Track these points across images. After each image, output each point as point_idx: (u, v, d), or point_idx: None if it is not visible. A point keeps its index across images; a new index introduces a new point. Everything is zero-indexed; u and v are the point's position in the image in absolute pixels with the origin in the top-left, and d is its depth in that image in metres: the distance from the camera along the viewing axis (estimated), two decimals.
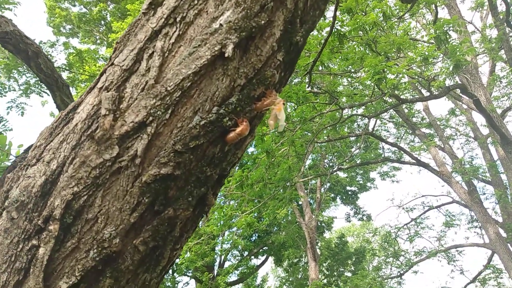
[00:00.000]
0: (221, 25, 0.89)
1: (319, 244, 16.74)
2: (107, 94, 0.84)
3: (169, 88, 0.85)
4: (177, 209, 0.86)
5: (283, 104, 0.96)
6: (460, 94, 12.58)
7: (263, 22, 0.92)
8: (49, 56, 8.07)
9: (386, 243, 16.27)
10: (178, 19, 0.89)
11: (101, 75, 0.92)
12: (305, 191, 14.03)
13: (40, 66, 1.93)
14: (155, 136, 0.84)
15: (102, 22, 15.23)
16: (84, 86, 11.06)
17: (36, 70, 1.94)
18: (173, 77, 0.86)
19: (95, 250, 0.79)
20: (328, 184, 16.17)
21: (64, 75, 9.95)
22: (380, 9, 8.57)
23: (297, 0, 0.98)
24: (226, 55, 0.87)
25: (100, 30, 15.35)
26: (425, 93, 12.00)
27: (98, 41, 15.54)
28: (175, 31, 0.89)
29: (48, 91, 2.94)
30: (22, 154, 1.65)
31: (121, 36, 0.96)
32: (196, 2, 0.90)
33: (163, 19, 0.89)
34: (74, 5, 16.09)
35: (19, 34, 1.81)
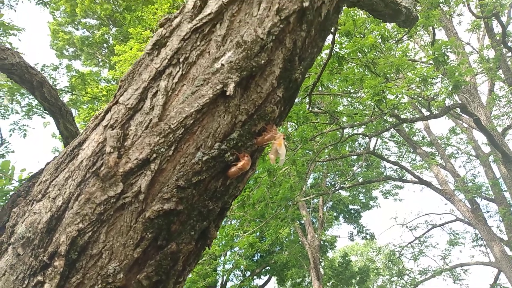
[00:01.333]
0: (222, 65, 0.92)
1: (322, 263, 16.54)
2: (112, 132, 0.87)
3: (172, 126, 0.88)
4: (180, 243, 0.88)
5: (283, 138, 0.98)
6: (460, 113, 12.66)
7: (263, 61, 0.95)
8: (52, 79, 8.20)
9: (390, 262, 16.08)
10: (181, 60, 0.93)
11: (106, 112, 0.95)
12: (307, 210, 13.94)
13: (45, 95, 1.98)
14: (158, 172, 0.87)
15: (105, 45, 15.49)
16: (86, 107, 11.16)
17: (40, 99, 1.99)
18: (176, 115, 0.89)
19: (99, 286, 0.81)
20: (331, 203, 16.09)
21: (67, 97, 10.07)
22: (378, 32, 8.73)
23: (295, 40, 1.03)
24: (227, 93, 0.91)
25: (103, 53, 15.59)
26: (425, 112, 12.08)
27: (101, 63, 15.77)
28: (178, 71, 0.92)
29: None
30: (25, 182, 1.67)
31: (125, 75, 1.00)
32: (198, 43, 0.94)
33: (166, 60, 0.93)
34: (77, 29, 16.40)
35: (24, 65, 1.87)
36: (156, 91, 0.91)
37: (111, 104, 0.96)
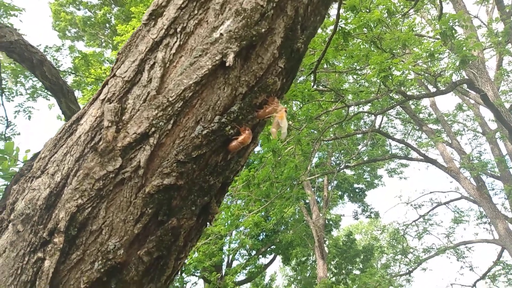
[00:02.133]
0: (221, 34, 0.89)
1: (327, 242, 16.71)
2: (110, 106, 0.85)
3: (170, 99, 0.85)
4: (181, 218, 0.87)
5: (285, 111, 0.95)
6: (467, 89, 12.47)
7: (263, 30, 0.92)
8: (55, 60, 8.14)
9: (394, 241, 16.18)
10: (178, 30, 0.89)
11: (103, 86, 0.92)
12: (312, 189, 13.99)
13: (45, 74, 1.95)
14: (157, 146, 0.84)
15: (107, 25, 15.31)
16: (91, 89, 11.13)
17: (41, 78, 1.96)
18: (174, 87, 0.86)
19: (99, 262, 0.80)
20: (335, 182, 16.11)
21: (70, 78, 10.03)
22: (384, 6, 8.52)
23: (297, 7, 0.98)
24: (227, 64, 0.87)
25: (105, 33, 15.43)
26: (432, 88, 11.91)
27: (103, 44, 15.63)
28: (175, 42, 0.89)
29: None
30: (28, 161, 1.67)
31: (122, 47, 0.96)
32: (196, 12, 0.91)
33: (163, 30, 0.89)
34: (79, 9, 16.20)
35: (23, 43, 1.83)
36: (154, 63, 0.88)
37: (108, 78, 0.94)
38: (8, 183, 2.90)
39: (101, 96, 0.89)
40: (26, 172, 1.65)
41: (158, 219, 0.85)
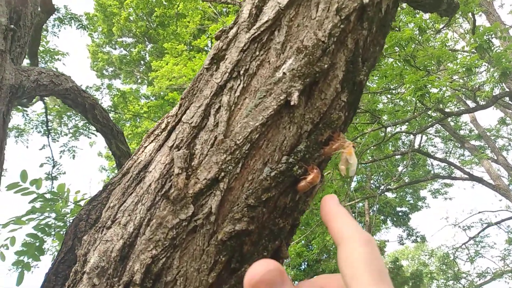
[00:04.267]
0: (284, 73, 0.88)
1: None
2: (179, 153, 0.84)
3: (238, 142, 0.84)
4: None
5: (353, 147, 0.92)
6: (509, 102, 11.95)
7: (326, 66, 0.90)
8: (96, 98, 8.54)
9: (444, 265, 15.32)
10: (241, 72, 0.89)
11: (170, 132, 0.93)
12: (353, 214, 13.61)
13: (97, 117, 2.03)
14: (227, 191, 0.83)
15: (142, 62, 16.01)
16: (129, 125, 11.53)
17: (93, 121, 2.04)
18: (241, 130, 0.85)
19: None
20: (377, 206, 15.62)
21: (110, 115, 10.45)
22: (415, 24, 8.42)
23: (357, 39, 0.96)
24: (292, 103, 0.86)
25: (140, 70, 16.12)
26: (471, 104, 11.49)
27: (139, 80, 16.31)
28: (239, 84, 0.89)
29: (100, 136, 3.07)
30: (85, 206, 1.70)
31: (185, 92, 0.97)
32: (257, 53, 0.90)
33: (227, 74, 0.89)
34: (115, 48, 17.08)
35: (77, 89, 1.92)
36: (219, 107, 0.88)
37: (173, 123, 0.94)
38: (63, 225, 2.96)
39: (169, 143, 0.90)
40: (85, 216, 1.68)
41: (231, 267, 0.83)
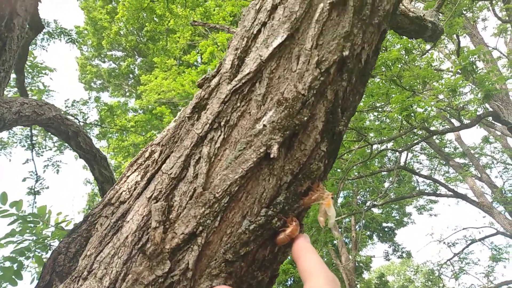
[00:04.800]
0: (264, 125, 0.89)
1: (358, 286, 16.00)
2: (157, 205, 0.84)
3: (217, 195, 0.84)
4: None
5: (332, 198, 0.93)
6: (493, 121, 12.21)
7: (305, 118, 0.91)
8: (82, 113, 8.47)
9: (429, 282, 15.37)
10: (222, 123, 0.90)
11: (149, 181, 0.93)
12: (339, 230, 13.62)
13: (80, 144, 2.01)
14: (205, 246, 0.83)
15: (130, 76, 15.97)
16: (115, 138, 11.43)
17: (75, 148, 2.02)
18: (220, 183, 0.85)
19: None
20: (363, 222, 15.67)
21: (96, 130, 10.36)
22: (401, 45, 8.60)
23: (337, 90, 0.98)
24: (271, 155, 0.87)
25: (129, 83, 16.06)
26: (456, 122, 11.71)
27: (127, 94, 16.23)
28: (220, 135, 0.89)
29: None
30: (64, 239, 1.67)
31: (165, 139, 0.98)
32: (238, 104, 0.91)
33: (208, 125, 0.90)
34: (104, 61, 17.02)
35: (60, 117, 1.91)
36: (199, 158, 0.88)
37: (153, 171, 0.94)
38: (42, 249, 2.89)
39: (147, 193, 0.89)
40: (64, 250, 1.65)
41: None
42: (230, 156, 0.88)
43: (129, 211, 0.92)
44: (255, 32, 1.01)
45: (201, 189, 0.85)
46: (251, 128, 0.89)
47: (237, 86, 0.92)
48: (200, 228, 0.82)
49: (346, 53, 0.98)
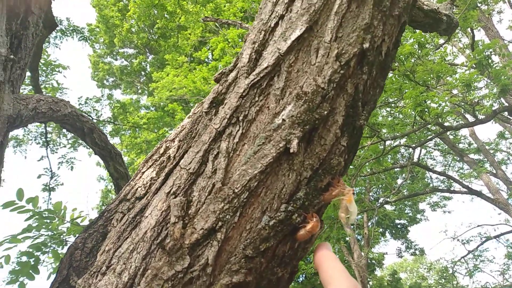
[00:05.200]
0: (283, 120, 0.87)
1: (370, 283, 15.92)
2: (175, 200, 0.83)
3: (236, 190, 0.83)
4: None
5: (353, 193, 0.91)
6: (508, 116, 11.98)
7: (325, 112, 0.89)
8: (95, 111, 8.55)
9: (443, 279, 15.20)
10: (240, 118, 0.89)
11: (167, 176, 0.92)
12: (351, 227, 13.53)
13: (95, 140, 2.02)
14: (225, 241, 0.82)
15: (142, 73, 16.06)
16: (128, 135, 11.52)
17: (91, 144, 2.03)
18: (239, 178, 0.84)
19: None
20: (376, 219, 15.57)
21: (110, 127, 10.46)
22: (414, 39, 8.48)
23: (357, 84, 0.96)
24: (291, 150, 0.85)
25: (141, 80, 16.16)
26: (470, 118, 11.52)
27: (139, 91, 16.34)
28: (238, 130, 0.88)
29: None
30: (81, 234, 1.68)
31: (183, 134, 0.97)
32: (257, 98, 0.90)
33: (226, 120, 0.89)
34: (116, 59, 17.14)
35: (75, 114, 1.92)
36: (218, 153, 0.87)
37: (171, 167, 0.93)
38: (62, 245, 2.92)
39: (166, 188, 0.89)
40: (81, 245, 1.66)
41: None
42: (249, 151, 0.86)
43: (148, 206, 0.92)
44: (272, 25, 0.99)
45: (220, 184, 0.84)
46: (270, 122, 0.88)
47: (255, 80, 0.91)
48: (220, 223, 0.81)
49: (366, 45, 0.96)
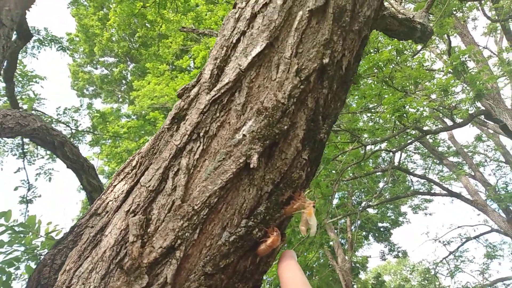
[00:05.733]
0: (244, 135, 0.88)
1: (355, 286, 16.01)
2: (134, 219, 0.83)
3: (196, 207, 0.83)
4: None
5: (313, 206, 0.92)
6: (485, 120, 12.29)
7: (285, 127, 0.90)
8: (74, 121, 8.41)
9: (426, 280, 15.40)
10: (201, 134, 0.89)
11: (128, 194, 0.91)
12: (335, 231, 13.61)
13: (67, 154, 1.99)
14: (184, 259, 0.81)
15: (123, 81, 15.90)
16: (108, 144, 11.36)
17: (62, 158, 2.00)
18: (199, 194, 0.84)
19: None
20: (359, 222, 15.69)
21: (89, 137, 10.29)
22: (393, 46, 8.65)
23: (317, 98, 0.98)
24: (251, 165, 0.86)
25: (122, 89, 16.00)
26: (448, 121, 11.77)
27: (120, 100, 16.16)
28: (199, 146, 0.88)
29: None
30: (50, 251, 1.65)
31: (145, 150, 0.96)
32: (218, 114, 0.90)
33: (186, 136, 0.89)
34: (96, 68, 16.94)
35: (45, 128, 1.89)
36: (178, 170, 0.87)
37: (132, 184, 0.93)
38: (36, 260, 2.86)
39: (125, 207, 0.88)
40: (49, 262, 1.62)
41: None
42: (209, 167, 0.87)
43: (108, 224, 0.91)
44: (234, 41, 1.00)
45: (180, 202, 0.84)
46: (230, 138, 0.89)
47: (216, 96, 0.91)
48: (179, 241, 0.81)
49: (326, 60, 0.98)
